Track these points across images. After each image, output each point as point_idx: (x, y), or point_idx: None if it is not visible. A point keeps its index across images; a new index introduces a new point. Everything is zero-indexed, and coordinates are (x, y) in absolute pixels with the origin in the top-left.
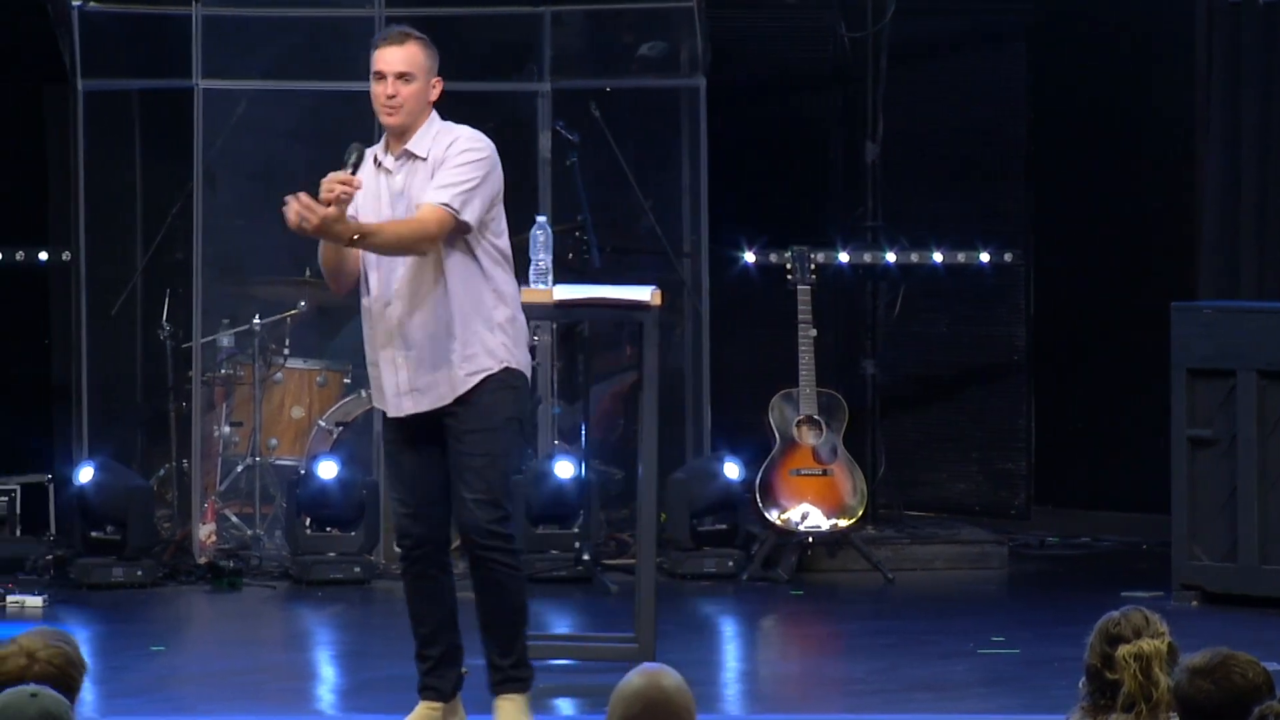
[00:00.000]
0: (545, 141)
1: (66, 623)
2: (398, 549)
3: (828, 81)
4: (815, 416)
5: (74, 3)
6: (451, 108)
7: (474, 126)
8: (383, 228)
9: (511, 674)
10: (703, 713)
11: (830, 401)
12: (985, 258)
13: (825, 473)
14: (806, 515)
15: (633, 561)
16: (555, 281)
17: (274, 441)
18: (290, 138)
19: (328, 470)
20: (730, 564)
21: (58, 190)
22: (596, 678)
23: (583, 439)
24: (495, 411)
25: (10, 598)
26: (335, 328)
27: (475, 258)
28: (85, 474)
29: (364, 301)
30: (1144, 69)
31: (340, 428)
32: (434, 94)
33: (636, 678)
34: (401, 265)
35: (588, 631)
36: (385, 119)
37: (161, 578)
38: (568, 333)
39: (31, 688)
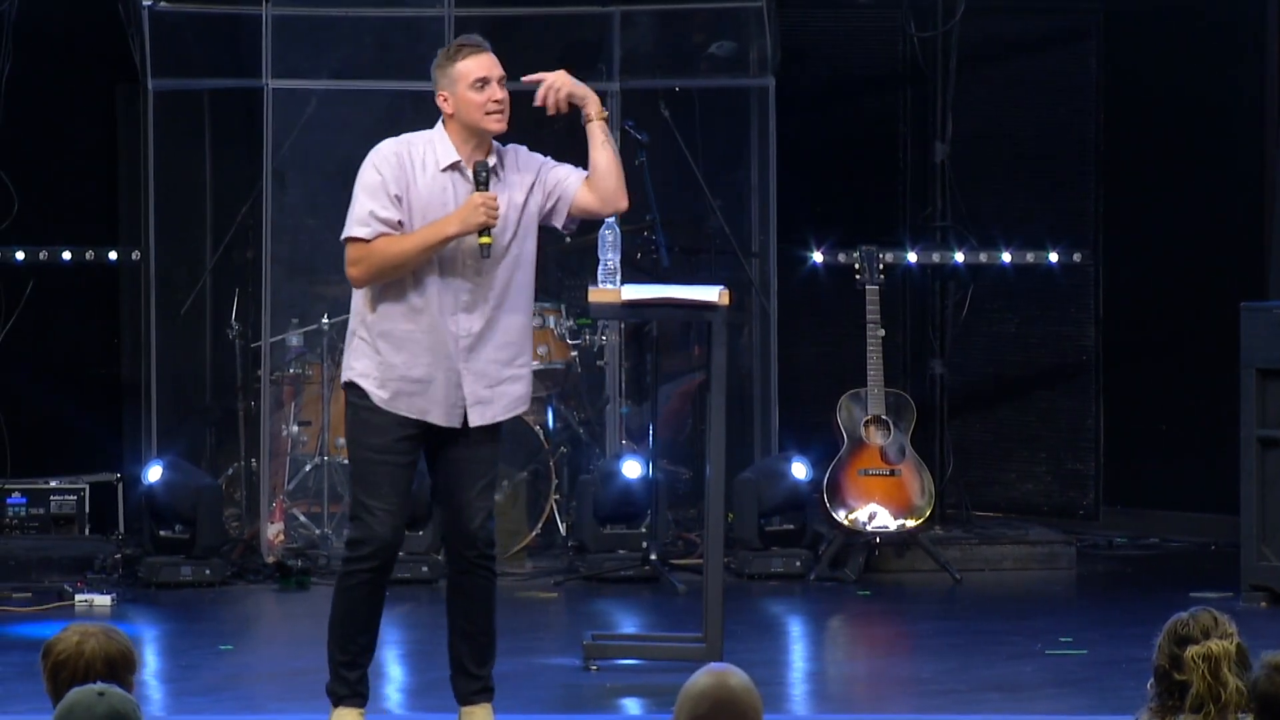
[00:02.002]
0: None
1: (135, 621)
2: (359, 559)
3: (897, 81)
4: (883, 416)
5: (145, 2)
6: (520, 108)
7: (542, 128)
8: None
9: (488, 684)
10: (770, 713)
11: (898, 401)
12: (1054, 258)
13: (893, 473)
14: (874, 515)
15: (700, 561)
16: (624, 281)
17: (342, 441)
18: (360, 137)
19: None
20: (798, 564)
21: (128, 190)
22: (664, 677)
23: (650, 439)
24: (500, 426)
25: (79, 596)
26: None
27: (532, 269)
28: (154, 473)
29: (408, 309)
30: (1215, 68)
31: None
32: None
33: (704, 677)
34: (485, 278)
35: (655, 631)
36: (496, 124)
37: (230, 577)
38: (636, 332)
39: (99, 686)
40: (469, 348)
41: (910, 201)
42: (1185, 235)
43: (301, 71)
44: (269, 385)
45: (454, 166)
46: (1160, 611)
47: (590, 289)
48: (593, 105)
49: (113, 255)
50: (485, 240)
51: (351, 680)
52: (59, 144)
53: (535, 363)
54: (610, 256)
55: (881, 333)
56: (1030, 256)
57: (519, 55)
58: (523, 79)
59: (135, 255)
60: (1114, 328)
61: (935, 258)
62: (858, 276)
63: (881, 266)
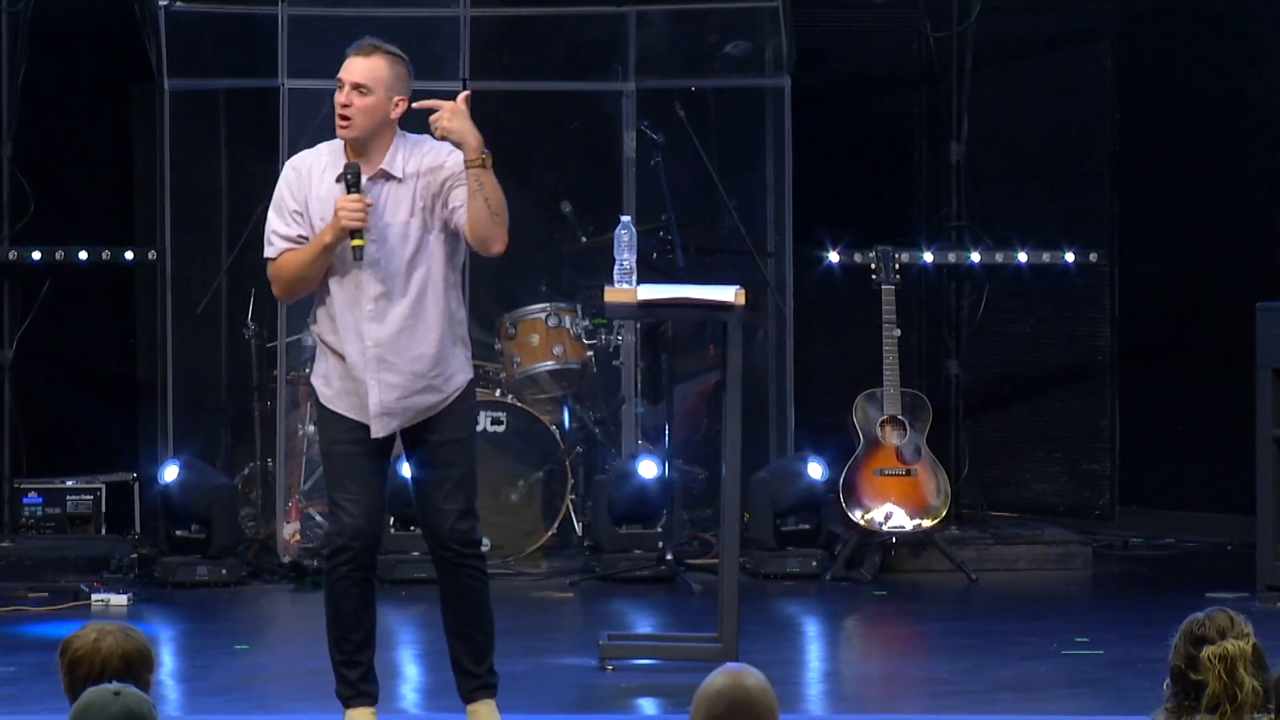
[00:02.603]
0: (630, 141)
1: (151, 621)
2: (337, 553)
3: (912, 81)
4: (899, 416)
5: (161, 2)
6: (536, 107)
7: (558, 126)
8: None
9: (487, 680)
10: (786, 713)
11: (914, 401)
12: (1070, 258)
13: (909, 473)
14: (890, 515)
15: (716, 561)
16: (639, 281)
17: None
18: None
19: (410, 469)
20: (813, 564)
21: (144, 190)
22: (679, 677)
23: (666, 439)
24: (467, 422)
25: (95, 596)
26: None
27: (452, 269)
28: (170, 473)
29: (327, 316)
30: (1230, 68)
31: None
32: (396, 112)
33: (720, 677)
34: (387, 287)
35: (671, 631)
36: (338, 129)
37: (245, 576)
38: (651, 332)
39: (115, 686)
40: (377, 358)
41: (926, 201)
42: (1200, 235)
43: (317, 71)
44: (285, 385)
45: (341, 174)
46: (1176, 612)
47: (606, 289)
48: (470, 149)
49: (129, 255)
50: (355, 243)
51: (353, 679)
52: (75, 144)
53: (550, 363)
54: (626, 256)
55: (897, 333)
56: (1045, 256)
57: (534, 56)
58: (414, 104)
59: (151, 255)
60: (1129, 328)
61: (951, 258)
62: (873, 277)
63: (897, 266)
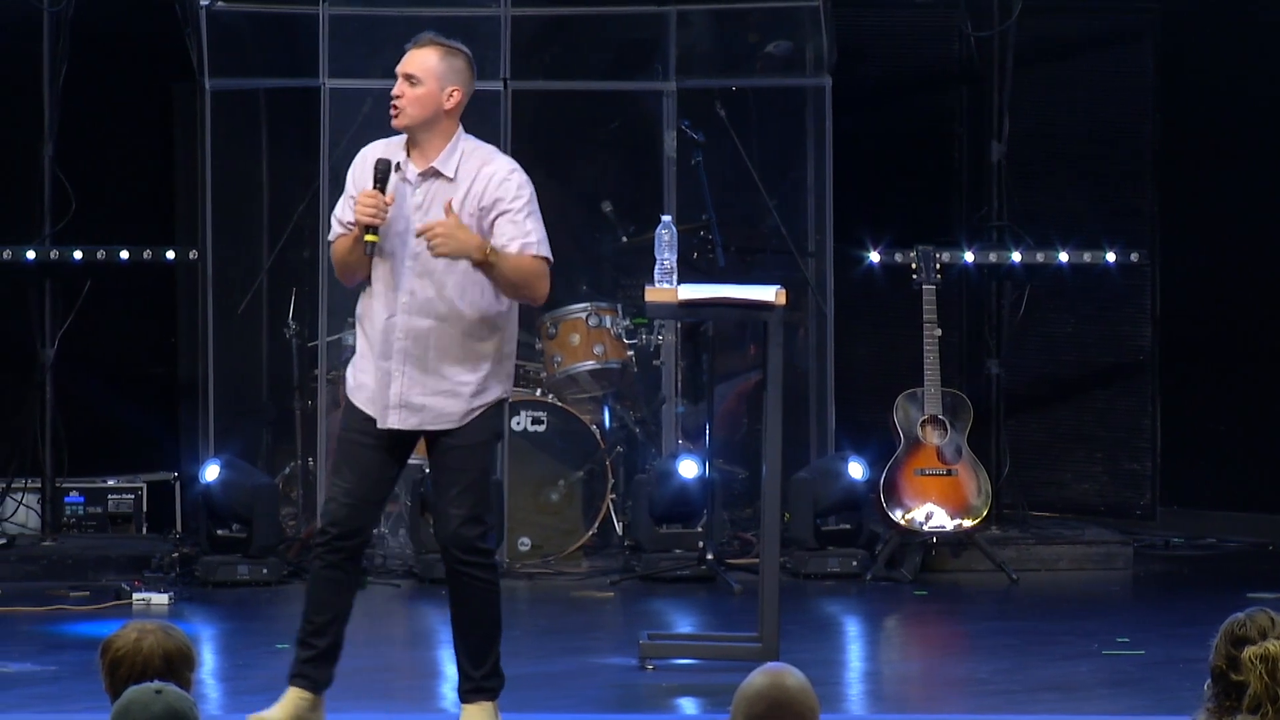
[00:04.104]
0: (670, 140)
1: (192, 620)
2: (318, 535)
3: (953, 81)
4: (940, 416)
5: (202, 2)
6: (577, 107)
7: (599, 126)
8: (509, 256)
9: (481, 683)
10: (826, 712)
11: (955, 401)
12: (1111, 258)
13: (950, 473)
14: (931, 515)
15: (756, 561)
16: (680, 281)
17: None
18: None
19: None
20: (854, 564)
21: (185, 189)
22: (720, 677)
23: (706, 438)
24: (483, 430)
25: (136, 595)
26: None
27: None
28: (211, 472)
29: (368, 304)
30: (1272, 66)
31: None
32: (449, 104)
33: (760, 677)
34: (427, 282)
35: (711, 631)
36: (393, 120)
37: (286, 575)
38: (692, 332)
39: (156, 684)
40: (404, 350)
41: (967, 201)
42: (1242, 235)
43: (358, 71)
44: (325, 384)
45: (398, 166)
46: (1217, 612)
47: (647, 288)
48: (473, 258)
49: (170, 255)
50: (368, 238)
51: (301, 658)
52: (116, 144)
53: (591, 362)
54: (667, 256)
55: (938, 332)
56: (1087, 256)
57: (575, 55)
58: (417, 228)
59: (192, 255)
60: (1171, 327)
61: (992, 257)
62: (914, 276)
63: (938, 266)
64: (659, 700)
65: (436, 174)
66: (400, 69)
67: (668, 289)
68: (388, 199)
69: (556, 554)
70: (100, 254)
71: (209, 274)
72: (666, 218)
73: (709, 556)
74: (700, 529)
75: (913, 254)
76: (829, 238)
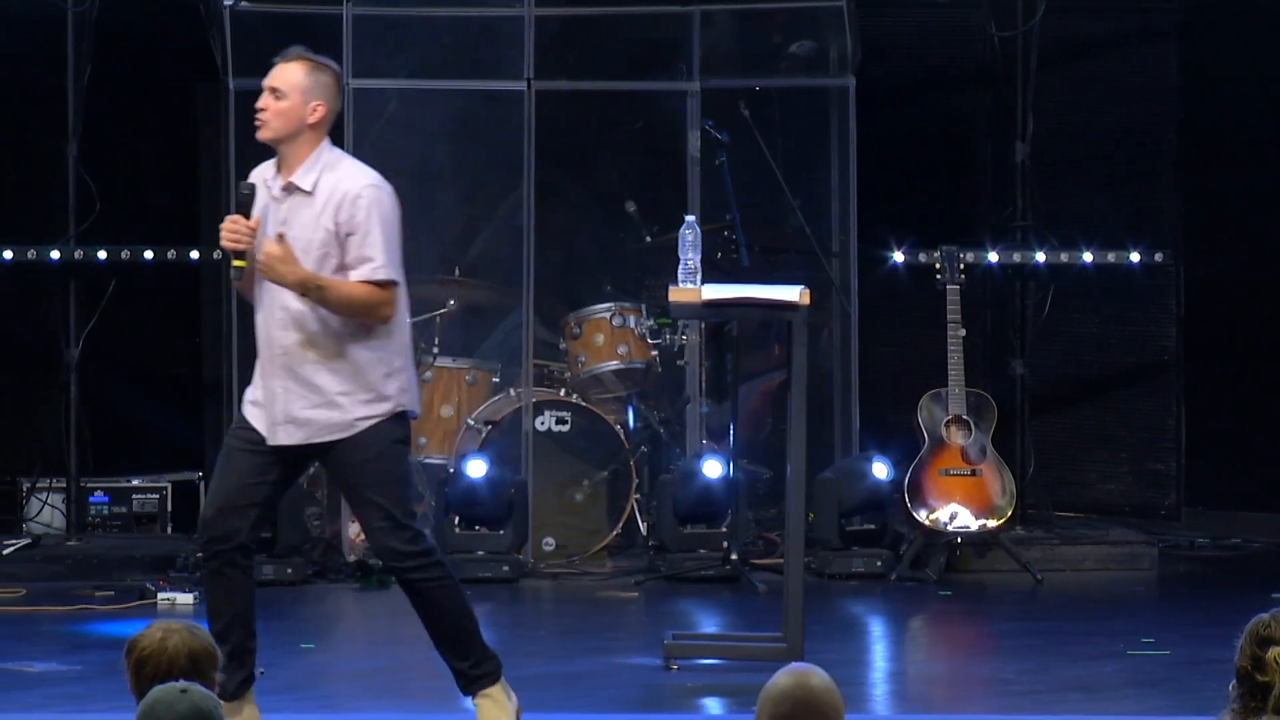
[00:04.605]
0: (694, 140)
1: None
2: (198, 539)
3: (977, 81)
4: (964, 416)
5: (225, 2)
6: (600, 107)
7: (622, 126)
8: (335, 286)
9: (473, 674)
10: (851, 712)
11: (979, 401)
12: (1135, 258)
13: (974, 473)
14: (955, 515)
15: (781, 561)
16: (704, 281)
17: (423, 440)
18: (440, 136)
19: (476, 469)
20: (878, 564)
21: (209, 189)
22: (744, 677)
23: (731, 438)
24: (381, 436)
25: (161, 595)
26: (485, 327)
27: None
28: None
29: (257, 318)
30: None
31: (489, 426)
32: (313, 118)
33: (785, 677)
34: (298, 297)
35: (735, 631)
36: (256, 133)
37: (311, 575)
38: (716, 332)
39: (181, 684)
40: (285, 366)
41: (990, 201)
42: (1266, 234)
43: (381, 70)
44: None
45: (267, 182)
46: (1242, 612)
47: (670, 288)
48: (295, 290)
49: (194, 255)
50: (235, 264)
51: None
52: (140, 144)
53: (615, 362)
54: (690, 256)
55: (962, 332)
56: (1111, 256)
57: (598, 55)
58: (226, 223)
59: (217, 254)
60: (1195, 328)
61: (1016, 257)
62: (938, 276)
63: (962, 266)
64: (683, 700)
65: (295, 188)
66: (266, 82)
67: (692, 289)
68: (252, 223)
69: (581, 554)
70: (124, 254)
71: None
72: (690, 218)
73: (733, 556)
74: (724, 529)
75: (937, 254)
76: (853, 238)
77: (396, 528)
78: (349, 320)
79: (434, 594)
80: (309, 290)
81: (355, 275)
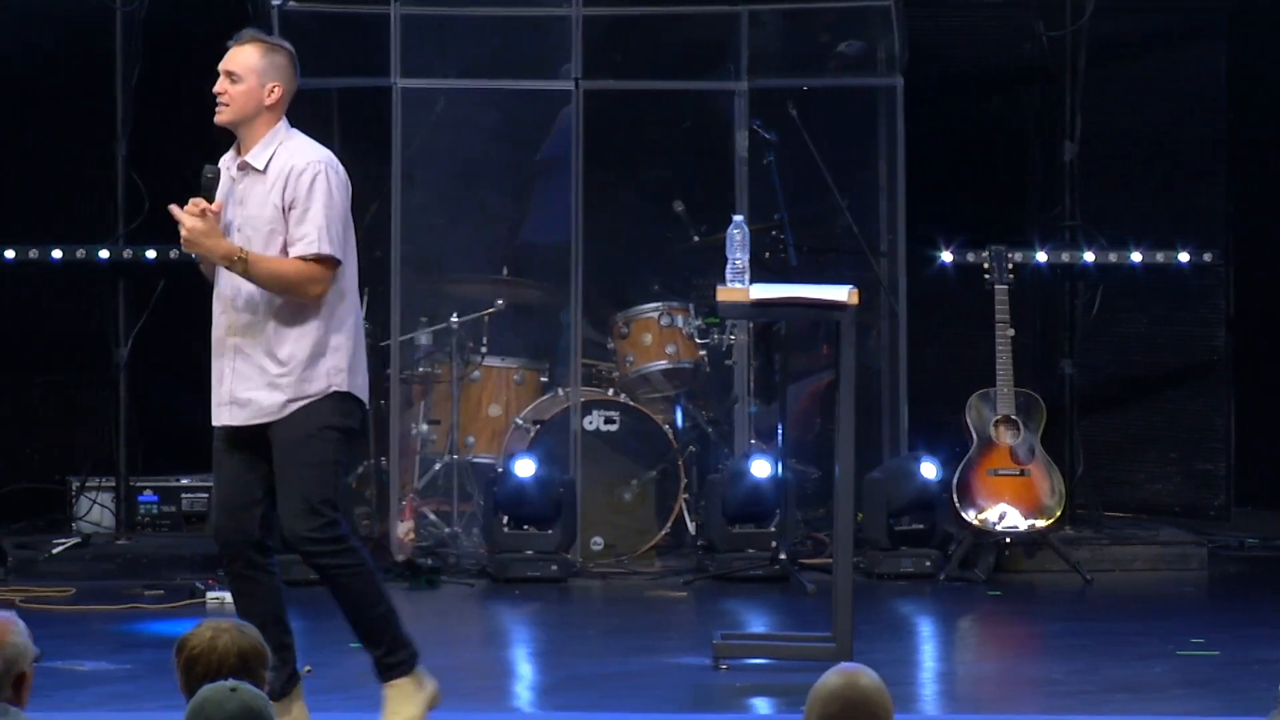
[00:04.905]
0: (742, 141)
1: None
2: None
3: (1026, 80)
4: (1013, 416)
5: (274, 2)
6: (648, 106)
7: (671, 125)
8: (261, 261)
9: (386, 661)
10: (900, 713)
11: (1028, 401)
12: (1184, 257)
13: (1023, 473)
14: (1004, 515)
15: (829, 561)
16: (752, 280)
17: (471, 439)
18: (488, 136)
19: (525, 468)
20: (927, 564)
21: None
22: (793, 677)
23: (779, 438)
24: (312, 420)
25: (210, 594)
26: (533, 326)
27: None
28: None
29: (214, 300)
30: None
31: (537, 426)
32: (270, 99)
33: (834, 677)
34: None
35: (784, 631)
36: (216, 116)
37: None
38: (764, 332)
39: (231, 683)
40: (234, 346)
41: (1039, 201)
42: None
43: (430, 70)
44: (398, 384)
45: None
46: None
47: (719, 288)
48: (220, 262)
49: None
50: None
51: None
52: (189, 143)
53: (663, 362)
54: (739, 256)
55: (1011, 332)
56: (1160, 256)
57: (646, 55)
58: (170, 207)
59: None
60: (1245, 327)
61: (1065, 257)
62: (987, 276)
63: (1010, 266)
64: (732, 700)
65: (249, 167)
66: (221, 66)
67: (740, 288)
68: (214, 206)
69: (629, 553)
70: (173, 253)
71: None
72: (738, 217)
73: (782, 556)
74: (773, 529)
75: (985, 254)
76: (901, 237)
77: (307, 513)
78: (293, 302)
79: (346, 581)
80: (233, 264)
81: (292, 251)
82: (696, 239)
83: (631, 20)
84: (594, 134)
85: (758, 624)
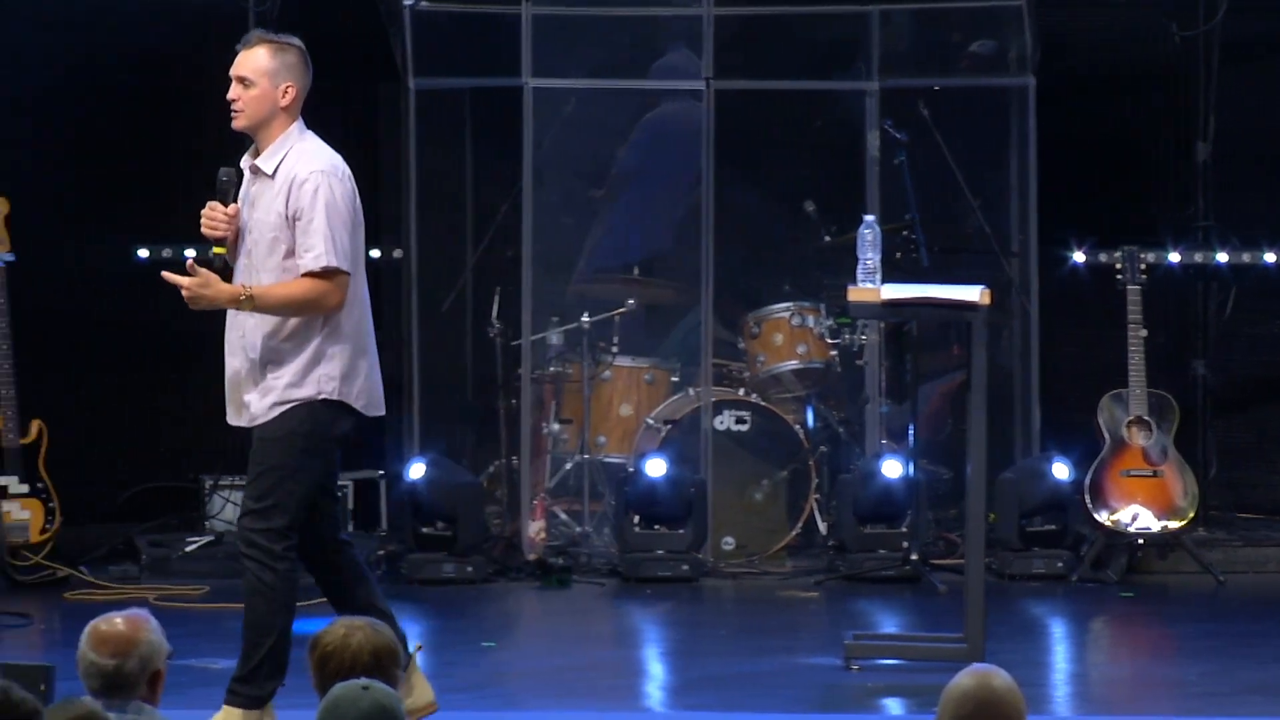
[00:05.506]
0: (873, 140)
1: (398, 618)
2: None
3: (1158, 80)
4: (1145, 417)
5: (406, 2)
6: (779, 106)
7: (801, 125)
8: (267, 293)
9: (233, 686)
10: (1033, 714)
11: (1160, 402)
12: None
13: (1155, 474)
14: (1136, 516)
15: (961, 561)
16: (883, 280)
17: (603, 439)
18: (618, 136)
19: (656, 468)
20: (1059, 565)
21: (389, 189)
22: (925, 678)
23: (911, 438)
24: (283, 424)
25: None
26: (664, 326)
27: None
28: (417, 470)
29: None
30: None
31: (668, 425)
32: (285, 100)
33: (967, 678)
34: (255, 279)
35: (916, 631)
36: (232, 123)
37: (491, 574)
38: (895, 332)
39: (364, 681)
40: (241, 347)
41: (1171, 201)
42: None
43: (561, 70)
44: (530, 383)
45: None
46: None
47: (850, 288)
48: (230, 305)
49: (374, 253)
50: (215, 251)
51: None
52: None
53: (794, 362)
54: (870, 256)
55: (1144, 333)
56: None
57: (777, 54)
58: (164, 273)
59: (397, 254)
60: None
61: (1197, 258)
62: (1119, 276)
63: (1143, 266)
64: (864, 701)
65: (260, 171)
66: (233, 71)
67: (871, 288)
68: (230, 210)
69: (760, 553)
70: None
71: (414, 273)
72: (870, 217)
73: (913, 557)
74: (904, 529)
75: (1117, 254)
76: (1033, 237)
77: (254, 513)
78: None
79: (253, 591)
80: (242, 305)
81: (300, 263)
82: (827, 239)
83: (762, 19)
84: (724, 134)
85: (889, 624)
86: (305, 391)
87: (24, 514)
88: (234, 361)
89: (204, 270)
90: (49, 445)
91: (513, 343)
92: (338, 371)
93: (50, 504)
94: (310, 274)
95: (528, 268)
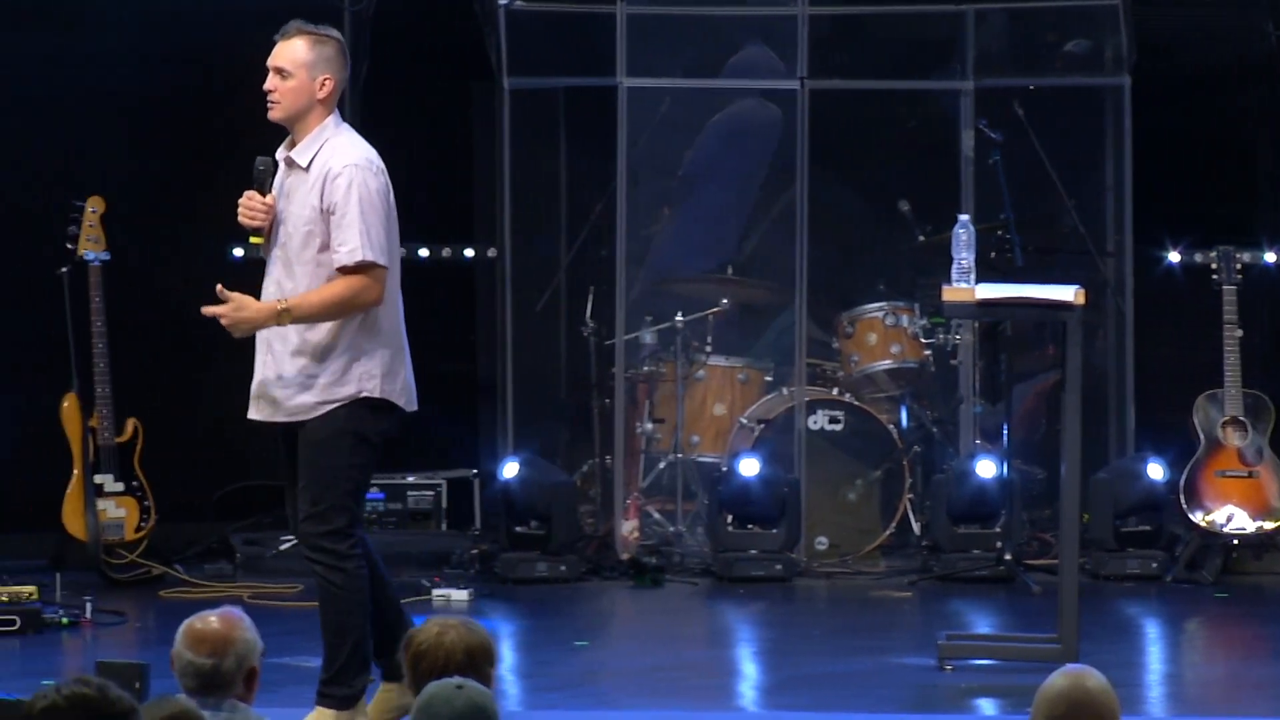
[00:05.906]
0: (968, 140)
1: (491, 617)
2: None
3: (1254, 79)
4: (1241, 418)
5: (501, 2)
6: (873, 106)
7: (896, 125)
8: (302, 303)
9: (322, 689)
10: (1127, 714)
11: (1256, 402)
12: None
13: (1251, 474)
14: (1231, 517)
15: (1055, 562)
16: (977, 280)
17: (696, 438)
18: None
19: (749, 467)
20: (1154, 565)
21: (483, 188)
22: (1018, 678)
23: (1005, 438)
24: (332, 423)
25: (436, 591)
26: (758, 325)
27: None
28: (510, 469)
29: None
30: None
31: (762, 425)
32: (322, 93)
33: (1061, 679)
34: (289, 273)
35: (1010, 632)
36: (269, 113)
37: (584, 573)
38: (990, 331)
39: (458, 680)
40: (268, 341)
41: (1268, 201)
42: None
43: (655, 70)
44: (623, 383)
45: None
46: None
47: (944, 288)
48: (270, 322)
49: (469, 253)
50: (253, 240)
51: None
52: (416, 142)
53: (888, 361)
54: (964, 255)
55: (1239, 333)
56: None
57: (872, 54)
58: (204, 309)
59: (491, 253)
60: None
61: None
62: (1215, 276)
63: (1239, 266)
64: (957, 701)
65: (294, 164)
66: (270, 62)
67: (965, 288)
68: (268, 200)
69: (854, 553)
70: (400, 253)
71: (508, 272)
72: (964, 217)
73: (1007, 557)
74: (999, 529)
75: (1213, 254)
76: (1128, 238)
77: (313, 518)
78: None
79: (326, 595)
80: (281, 319)
81: (335, 259)
82: (921, 239)
83: (856, 19)
84: (819, 133)
85: (983, 624)
86: (347, 390)
87: (119, 512)
88: (267, 356)
89: (235, 294)
90: (144, 444)
91: (606, 342)
92: (379, 369)
93: (145, 502)
94: (345, 269)
95: (621, 267)
